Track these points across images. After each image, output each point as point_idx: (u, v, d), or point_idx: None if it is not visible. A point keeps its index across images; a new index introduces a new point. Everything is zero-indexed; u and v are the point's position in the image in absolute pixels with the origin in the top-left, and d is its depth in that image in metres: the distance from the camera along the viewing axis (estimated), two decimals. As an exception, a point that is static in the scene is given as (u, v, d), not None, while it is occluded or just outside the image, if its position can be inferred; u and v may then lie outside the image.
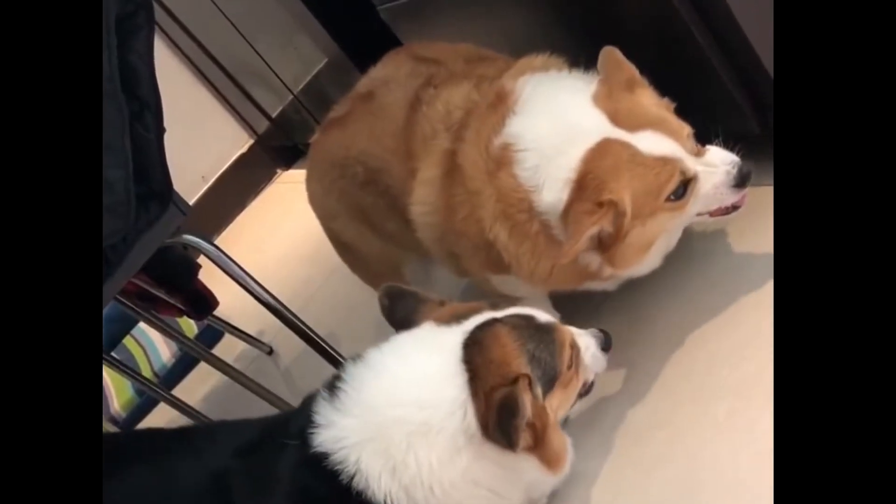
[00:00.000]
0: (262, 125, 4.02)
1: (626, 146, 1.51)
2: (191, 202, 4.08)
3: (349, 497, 1.38)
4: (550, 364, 1.44)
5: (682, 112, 1.59)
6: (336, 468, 1.38)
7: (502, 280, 1.74)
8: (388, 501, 1.37)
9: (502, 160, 1.58)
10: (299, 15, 2.84)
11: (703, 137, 1.59)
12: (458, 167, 1.66)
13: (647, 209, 1.53)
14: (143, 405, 2.98)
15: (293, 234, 3.35)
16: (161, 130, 1.60)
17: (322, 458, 1.39)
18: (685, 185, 1.54)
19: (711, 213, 1.62)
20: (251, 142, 4.23)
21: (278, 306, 1.91)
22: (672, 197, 1.53)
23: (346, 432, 1.40)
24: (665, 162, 1.52)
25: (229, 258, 1.85)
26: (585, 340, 1.54)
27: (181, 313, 2.75)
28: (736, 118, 1.73)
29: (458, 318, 1.48)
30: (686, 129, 1.56)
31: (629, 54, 1.61)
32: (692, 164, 1.53)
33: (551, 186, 1.53)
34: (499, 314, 1.48)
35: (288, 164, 4.15)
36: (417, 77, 1.83)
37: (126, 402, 3.14)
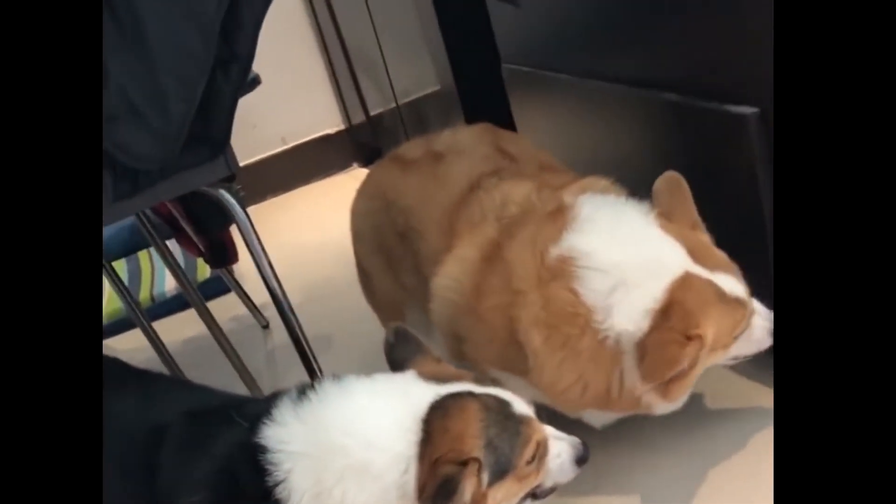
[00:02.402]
0: (358, 118, 4.06)
1: (710, 283, 1.54)
2: (262, 156, 4.16)
3: (266, 500, 1.36)
4: (506, 455, 1.40)
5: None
6: (268, 467, 1.36)
7: (504, 377, 1.72)
8: None
9: (560, 272, 1.58)
10: (433, 39, 2.88)
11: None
12: (501, 259, 1.66)
13: (716, 346, 1.57)
14: (126, 321, 2.99)
15: (338, 228, 3.36)
16: (240, 86, 1.59)
17: (260, 450, 1.37)
18: None
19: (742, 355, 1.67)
20: (342, 127, 4.28)
21: (279, 294, 1.89)
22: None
23: (292, 437, 1.38)
24: (740, 304, 1.57)
25: (253, 229, 1.84)
26: (559, 446, 1.50)
27: (200, 254, 2.76)
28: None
29: (438, 379, 1.47)
30: None
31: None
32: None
33: (629, 314, 1.53)
34: (477, 389, 1.45)
35: (366, 163, 4.18)
36: (489, 163, 1.86)
37: (112, 312, 3.16)
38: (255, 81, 2.37)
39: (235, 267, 2.93)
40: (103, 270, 2.42)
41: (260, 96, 2.54)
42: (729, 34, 1.62)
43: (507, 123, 2.59)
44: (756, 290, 1.62)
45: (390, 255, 2.00)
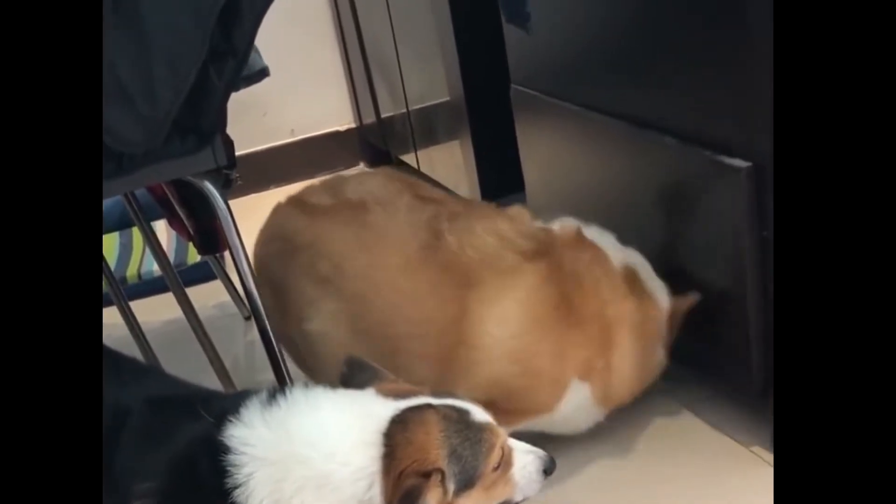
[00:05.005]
0: (369, 118, 4.06)
1: None
2: (269, 145, 4.16)
3: (223, 501, 1.34)
4: (471, 463, 1.40)
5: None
6: (228, 468, 1.34)
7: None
8: None
9: (633, 284, 1.90)
10: (448, 50, 2.89)
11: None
12: (571, 283, 1.85)
13: None
14: (107, 296, 2.97)
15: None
16: (233, 82, 1.58)
17: (223, 449, 1.35)
18: None
19: None
20: (352, 126, 4.27)
21: (253, 289, 1.88)
22: None
23: (257, 441, 1.36)
24: None
25: (234, 223, 1.82)
26: (524, 458, 1.50)
27: (190, 238, 2.75)
28: (741, 374, 1.88)
29: (397, 395, 1.46)
30: None
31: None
32: None
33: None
34: (435, 401, 1.45)
35: (372, 164, 4.17)
36: (419, 212, 1.92)
37: (96, 284, 3.15)
38: (264, 73, 2.36)
39: (226, 254, 2.92)
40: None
41: (273, 86, 2.53)
42: (731, 88, 1.64)
43: (511, 142, 2.59)
44: (732, 339, 1.82)
45: (286, 298, 1.99)
